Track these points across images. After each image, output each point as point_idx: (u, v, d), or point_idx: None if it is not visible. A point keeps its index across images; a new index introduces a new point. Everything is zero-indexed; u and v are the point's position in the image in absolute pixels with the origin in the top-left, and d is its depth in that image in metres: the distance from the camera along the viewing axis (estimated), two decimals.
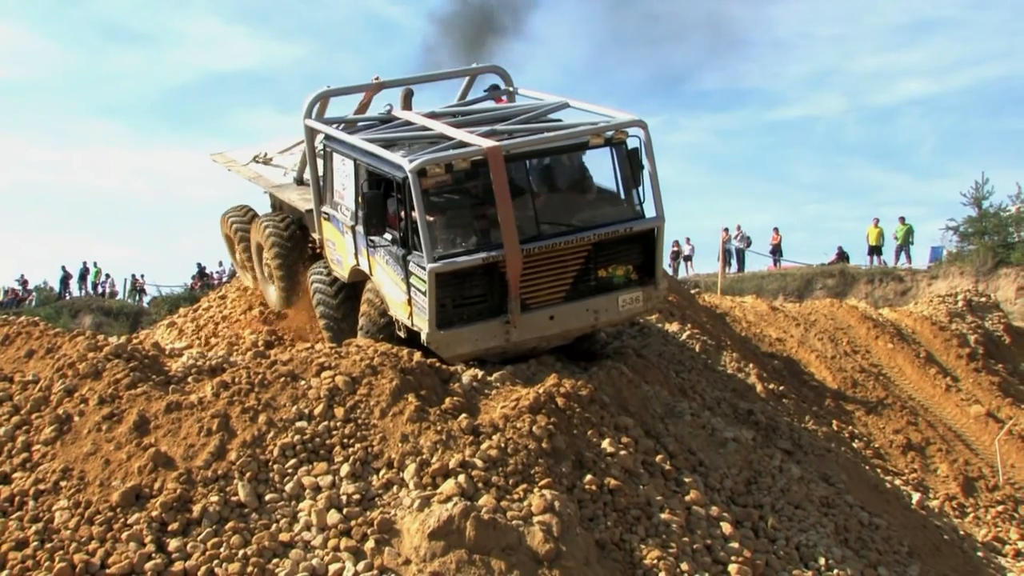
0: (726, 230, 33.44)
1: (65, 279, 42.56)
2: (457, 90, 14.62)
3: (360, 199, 11.68)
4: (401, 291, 11.17)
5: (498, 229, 10.76)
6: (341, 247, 12.73)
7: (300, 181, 14.84)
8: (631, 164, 11.55)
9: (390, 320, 11.79)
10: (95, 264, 43.19)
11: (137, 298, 42.67)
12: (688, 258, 35.79)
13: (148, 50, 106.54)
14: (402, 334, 11.52)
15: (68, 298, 41.59)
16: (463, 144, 11.11)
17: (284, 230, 14.57)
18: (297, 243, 14.58)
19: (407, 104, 13.72)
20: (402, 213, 11.02)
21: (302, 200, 14.14)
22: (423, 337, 10.89)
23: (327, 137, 12.93)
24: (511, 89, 14.14)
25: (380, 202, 11.23)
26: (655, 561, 8.83)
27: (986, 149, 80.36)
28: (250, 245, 15.48)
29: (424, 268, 10.56)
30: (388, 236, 11.33)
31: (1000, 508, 15.32)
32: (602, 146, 11.50)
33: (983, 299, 25.01)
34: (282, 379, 9.98)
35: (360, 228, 11.88)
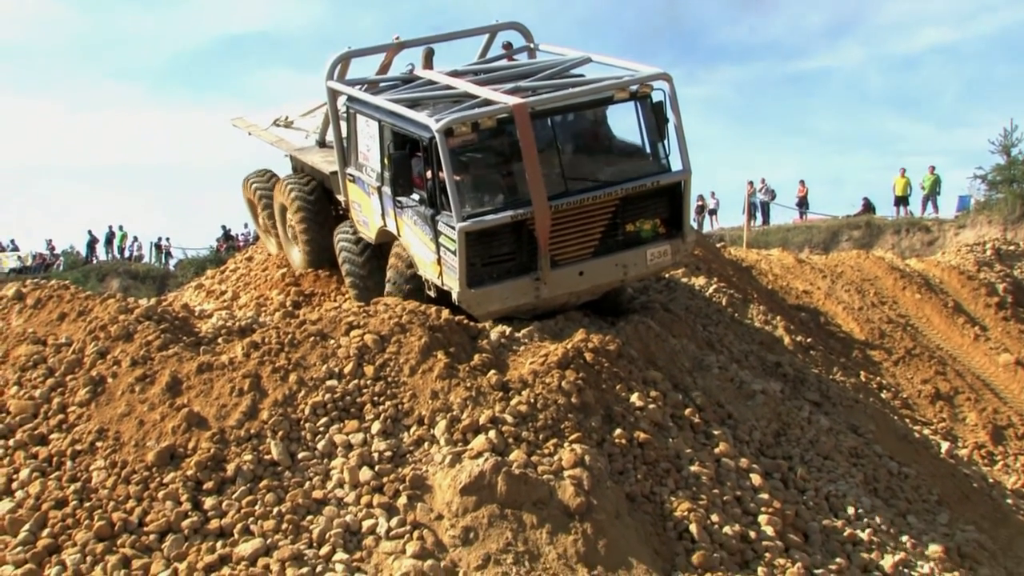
0: (751, 183, 33.17)
1: (92, 243, 42.84)
2: (477, 48, 14.52)
3: (387, 160, 11.64)
4: (430, 251, 11.18)
5: (525, 186, 10.75)
6: (367, 208, 12.73)
7: (323, 143, 14.83)
8: (656, 118, 11.48)
9: (417, 275, 11.81)
10: (120, 227, 43.47)
11: (163, 261, 42.95)
12: (713, 212, 35.61)
13: (161, 12, 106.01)
14: (432, 293, 11.54)
15: (95, 262, 41.90)
16: (488, 102, 11.06)
17: (309, 192, 14.60)
18: (321, 204, 14.60)
19: (428, 63, 13.64)
20: (428, 173, 11.00)
21: (325, 162, 14.13)
22: (454, 296, 10.93)
23: (350, 98, 12.87)
24: (531, 45, 14.04)
25: (407, 163, 11.21)
26: (685, 513, 8.87)
27: (1010, 96, 79.17)
28: (273, 208, 15.51)
29: (454, 228, 10.56)
30: (415, 196, 11.31)
31: None
32: (627, 100, 11.43)
33: (1012, 247, 24.71)
34: (311, 338, 10.04)
35: (386, 189, 11.87)
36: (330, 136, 14.05)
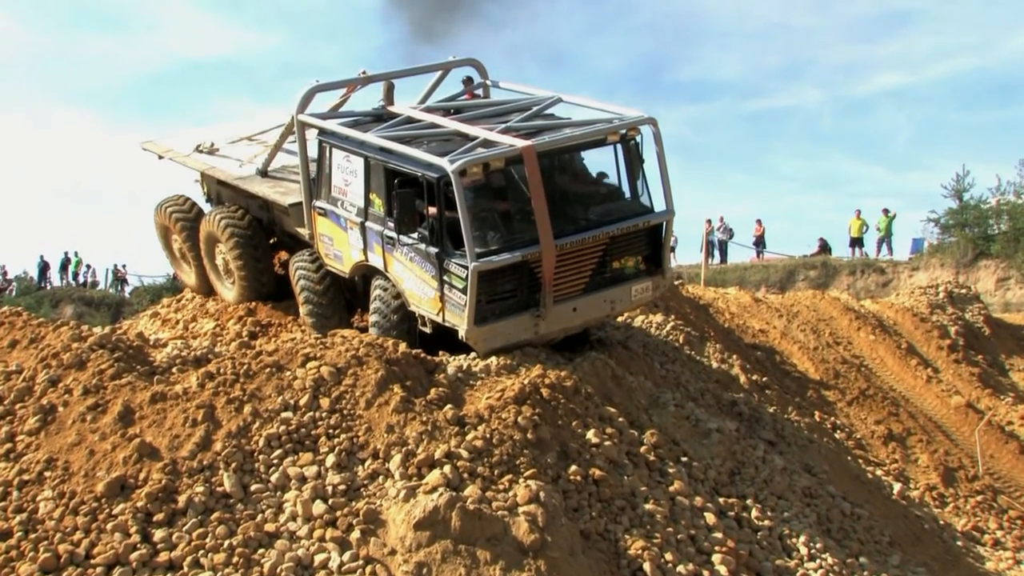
0: (709, 221, 33.54)
1: (44, 269, 42.20)
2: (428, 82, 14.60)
3: (392, 198, 11.50)
4: (431, 287, 11.29)
5: (523, 225, 11.06)
6: (342, 242, 12.72)
7: (265, 173, 14.47)
8: (638, 159, 11.95)
9: (403, 316, 11.89)
10: (75, 253, 42.86)
11: (119, 288, 42.41)
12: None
13: (120, 35, 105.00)
14: (427, 329, 11.67)
15: (48, 288, 41.27)
16: (488, 142, 11.26)
17: (243, 224, 14.37)
18: (257, 236, 14.47)
19: (389, 97, 13.69)
20: (428, 210, 11.10)
21: (277, 193, 13.90)
22: (461, 333, 11.06)
23: (323, 132, 12.81)
24: (487, 82, 14.17)
25: (412, 201, 11.26)
26: (639, 551, 8.88)
27: (961, 141, 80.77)
28: (197, 239, 15.14)
29: (465, 267, 10.71)
30: (415, 234, 11.38)
31: (979, 498, 15.47)
32: (616, 142, 11.86)
33: (963, 291, 25.18)
34: (267, 370, 9.97)
35: (371, 224, 11.95)
36: (274, 165, 14.11)
